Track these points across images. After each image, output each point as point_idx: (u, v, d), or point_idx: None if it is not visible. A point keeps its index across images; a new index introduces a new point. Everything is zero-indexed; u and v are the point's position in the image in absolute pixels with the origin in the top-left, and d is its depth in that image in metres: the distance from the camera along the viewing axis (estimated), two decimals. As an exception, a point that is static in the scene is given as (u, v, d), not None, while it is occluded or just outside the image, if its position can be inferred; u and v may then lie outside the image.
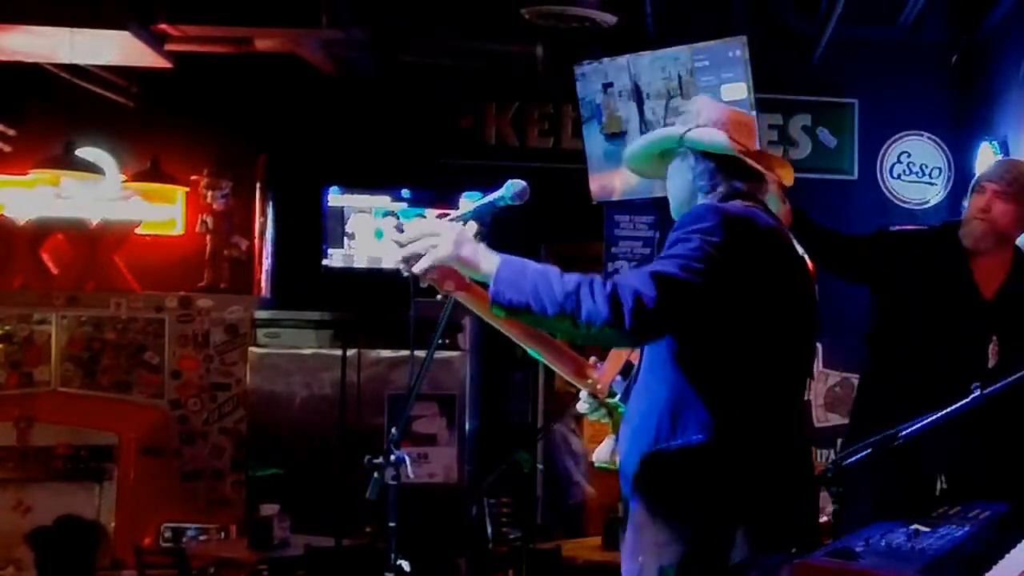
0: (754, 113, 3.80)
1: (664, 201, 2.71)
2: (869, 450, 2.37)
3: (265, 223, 6.60)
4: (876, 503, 2.85)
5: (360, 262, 6.16)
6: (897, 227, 3.82)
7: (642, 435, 2.37)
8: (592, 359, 2.62)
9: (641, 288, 2.10)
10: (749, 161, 2.49)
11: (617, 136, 4.75)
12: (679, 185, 2.57)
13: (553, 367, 2.61)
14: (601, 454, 2.64)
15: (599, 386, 2.56)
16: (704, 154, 2.51)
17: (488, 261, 2.20)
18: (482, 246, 2.26)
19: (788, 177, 2.61)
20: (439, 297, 2.43)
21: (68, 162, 6.23)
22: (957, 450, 3.25)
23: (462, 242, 2.23)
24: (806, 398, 2.62)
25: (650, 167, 2.70)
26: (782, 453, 2.36)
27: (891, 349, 3.53)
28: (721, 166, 2.49)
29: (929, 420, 2.44)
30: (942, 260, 3.50)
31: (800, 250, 2.54)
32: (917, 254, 3.56)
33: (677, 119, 2.63)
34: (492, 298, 2.17)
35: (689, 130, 2.52)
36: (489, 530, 5.67)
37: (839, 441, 5.84)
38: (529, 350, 2.56)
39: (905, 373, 3.44)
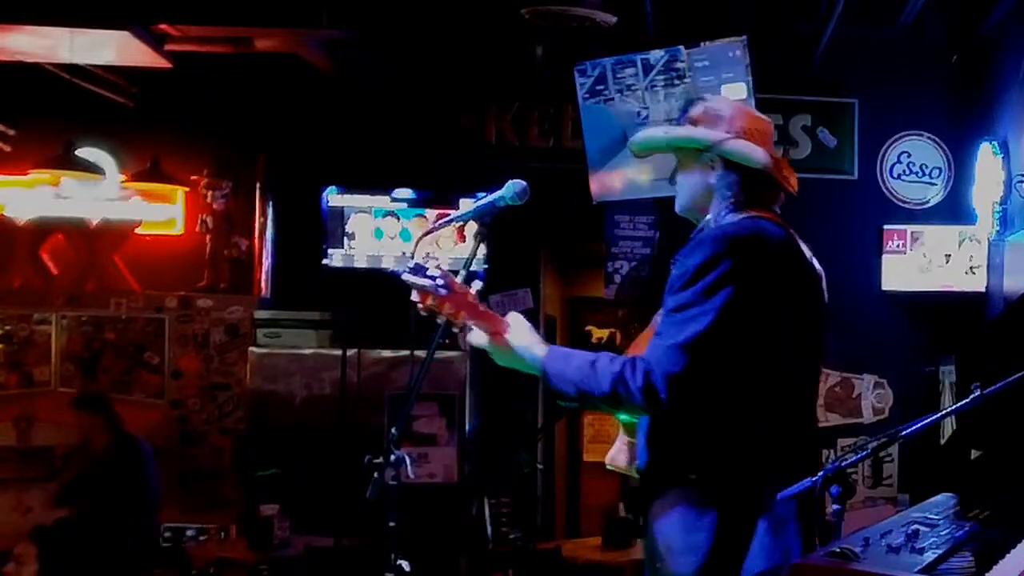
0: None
1: (665, 201, 2.69)
2: (869, 450, 2.36)
3: (265, 223, 6.60)
4: None
5: (360, 262, 6.15)
6: None
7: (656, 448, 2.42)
8: None
9: (666, 370, 2.24)
10: (777, 176, 2.48)
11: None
12: (697, 187, 2.54)
13: None
14: (617, 459, 2.61)
15: None
16: (732, 164, 2.47)
17: (535, 353, 2.42)
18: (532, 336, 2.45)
19: (794, 182, 2.58)
20: (456, 330, 2.51)
21: (68, 162, 6.23)
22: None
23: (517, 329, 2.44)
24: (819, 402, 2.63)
25: (655, 152, 2.69)
26: (788, 470, 2.32)
27: None
28: (748, 178, 2.47)
29: (929, 420, 2.43)
30: None
31: (809, 255, 2.53)
32: None
33: (697, 116, 2.54)
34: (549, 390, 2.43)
35: (726, 140, 2.48)
36: (489, 530, 5.68)
37: (839, 441, 5.87)
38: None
39: None
